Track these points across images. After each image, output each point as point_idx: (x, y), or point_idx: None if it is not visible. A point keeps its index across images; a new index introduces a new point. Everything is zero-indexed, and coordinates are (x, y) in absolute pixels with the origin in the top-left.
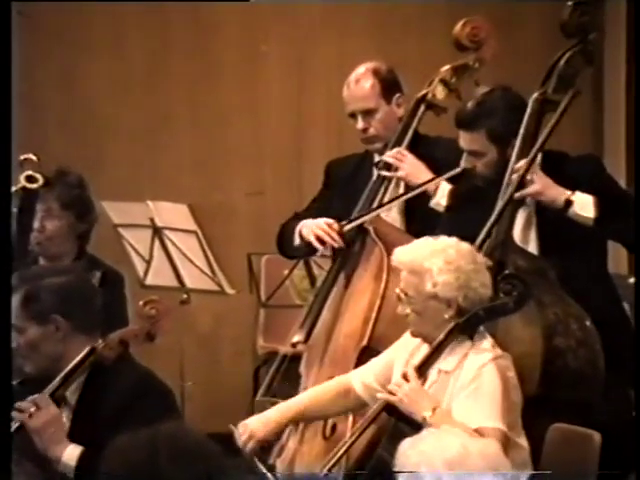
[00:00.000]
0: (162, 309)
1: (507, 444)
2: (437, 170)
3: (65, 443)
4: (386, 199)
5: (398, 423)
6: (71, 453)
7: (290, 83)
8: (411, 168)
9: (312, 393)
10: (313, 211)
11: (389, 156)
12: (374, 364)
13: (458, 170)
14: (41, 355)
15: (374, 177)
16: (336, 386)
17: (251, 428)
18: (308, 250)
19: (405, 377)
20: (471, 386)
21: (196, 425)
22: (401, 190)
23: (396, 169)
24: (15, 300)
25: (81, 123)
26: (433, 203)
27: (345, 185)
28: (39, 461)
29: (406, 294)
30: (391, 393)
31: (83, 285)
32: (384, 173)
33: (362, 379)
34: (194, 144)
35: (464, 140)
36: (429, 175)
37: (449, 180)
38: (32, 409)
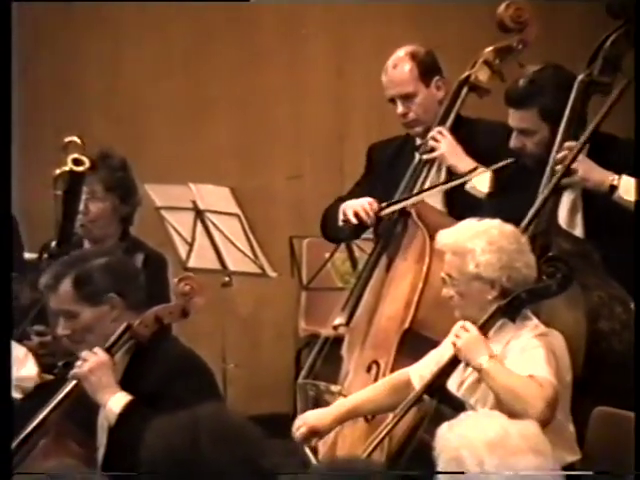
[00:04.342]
0: (196, 286)
1: (555, 403)
2: (479, 153)
3: (114, 389)
4: (427, 183)
5: (439, 406)
6: (118, 400)
7: (330, 66)
8: (448, 148)
9: (369, 389)
10: (356, 195)
11: (430, 135)
12: (431, 357)
13: (508, 161)
14: (96, 336)
15: (415, 161)
16: (393, 381)
17: (308, 422)
18: (349, 231)
19: (464, 328)
20: (519, 361)
21: (237, 408)
22: (443, 174)
23: (433, 149)
24: (65, 285)
25: (124, 106)
26: (469, 187)
27: (387, 169)
28: (83, 440)
29: (450, 276)
30: (456, 338)
31: (127, 263)
32: (425, 156)
33: (420, 372)
34: (235, 127)
35: (514, 118)
36: (465, 158)
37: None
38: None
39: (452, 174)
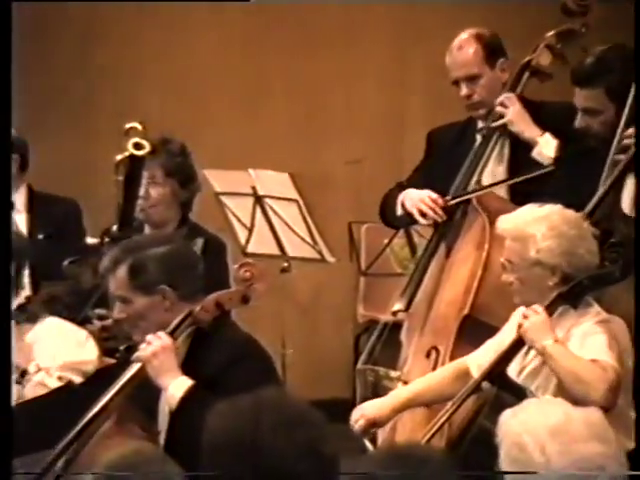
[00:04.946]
0: (257, 272)
1: (618, 388)
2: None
3: (175, 373)
4: (489, 166)
5: (500, 392)
6: (180, 384)
7: (390, 49)
8: (516, 114)
9: (427, 378)
10: (416, 181)
11: (498, 102)
12: (489, 346)
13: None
14: (149, 323)
15: (477, 144)
16: (452, 370)
17: (366, 413)
18: (410, 221)
19: (534, 310)
20: (581, 347)
21: (296, 393)
22: (505, 158)
23: (501, 116)
24: (121, 271)
25: (185, 92)
26: (535, 152)
27: (447, 154)
28: (145, 424)
29: (510, 262)
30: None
31: (186, 253)
32: (494, 124)
33: (478, 361)
34: (295, 113)
35: (580, 97)
36: (533, 125)
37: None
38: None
39: (515, 154)
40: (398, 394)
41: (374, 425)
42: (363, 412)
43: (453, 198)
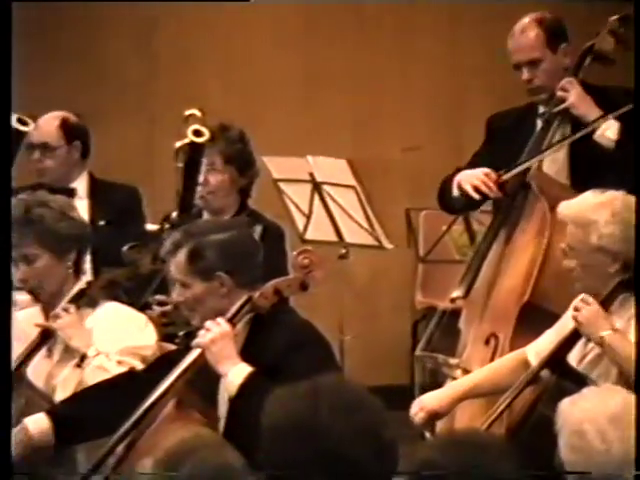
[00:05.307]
0: (315, 259)
1: None
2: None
3: (234, 360)
4: (548, 152)
5: (560, 380)
6: (239, 371)
7: (449, 34)
8: (578, 97)
9: (486, 369)
10: (475, 166)
11: (559, 86)
12: (548, 336)
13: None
14: (206, 309)
15: (538, 129)
16: (511, 360)
17: (426, 406)
18: (467, 202)
19: (585, 301)
20: None
21: (354, 379)
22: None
23: (563, 100)
24: (181, 255)
25: (244, 79)
26: (597, 135)
27: (508, 139)
28: (205, 410)
29: (571, 248)
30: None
31: (246, 240)
32: (556, 109)
33: (537, 350)
34: (353, 99)
35: None
36: (595, 108)
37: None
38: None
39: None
40: (457, 385)
41: (434, 417)
42: (422, 404)
43: (507, 171)
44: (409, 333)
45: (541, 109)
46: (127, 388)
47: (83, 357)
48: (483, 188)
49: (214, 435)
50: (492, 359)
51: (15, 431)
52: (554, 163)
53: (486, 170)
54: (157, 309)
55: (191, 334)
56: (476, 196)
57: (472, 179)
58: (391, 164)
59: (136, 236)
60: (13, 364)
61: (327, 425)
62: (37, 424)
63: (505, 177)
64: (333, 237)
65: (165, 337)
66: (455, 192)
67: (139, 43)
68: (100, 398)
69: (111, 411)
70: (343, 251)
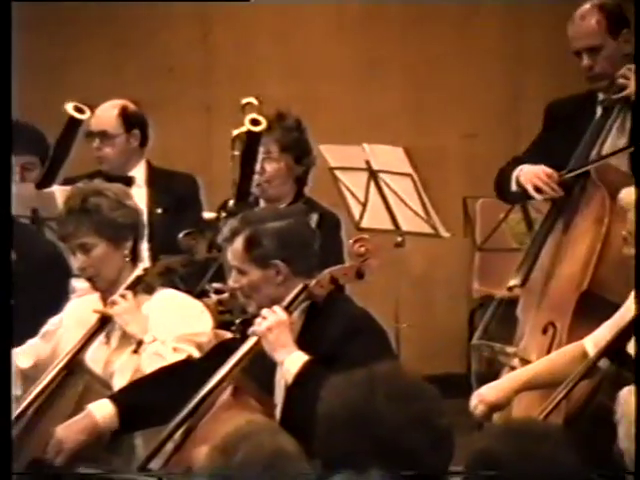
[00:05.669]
0: (372, 247)
1: None
2: None
3: (290, 348)
4: (610, 139)
5: (620, 370)
6: (295, 359)
7: (506, 21)
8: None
9: (544, 360)
10: (533, 154)
11: (619, 74)
12: (606, 327)
13: None
14: (262, 296)
15: (597, 117)
16: (569, 352)
17: (485, 399)
18: (525, 197)
19: None
20: None
21: (410, 367)
22: (627, 129)
23: (623, 88)
24: (238, 242)
25: (300, 67)
26: None
27: (566, 127)
28: (262, 397)
29: (632, 234)
30: None
31: (303, 229)
32: (616, 96)
33: (595, 341)
34: (409, 87)
35: None
36: None
37: None
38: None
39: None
40: (515, 376)
41: (494, 409)
42: (481, 397)
43: (568, 172)
44: (465, 322)
45: (601, 96)
46: (185, 375)
47: (140, 343)
48: (545, 189)
49: (269, 421)
50: (550, 348)
51: (79, 417)
52: (614, 150)
53: (548, 170)
54: (214, 297)
55: (247, 322)
56: (537, 196)
57: (533, 178)
58: (448, 152)
59: (193, 224)
60: (72, 350)
61: (382, 413)
62: (102, 410)
63: (566, 177)
64: (389, 225)
65: (221, 325)
66: (514, 187)
67: (198, 33)
68: (161, 385)
69: (171, 398)
70: (399, 239)
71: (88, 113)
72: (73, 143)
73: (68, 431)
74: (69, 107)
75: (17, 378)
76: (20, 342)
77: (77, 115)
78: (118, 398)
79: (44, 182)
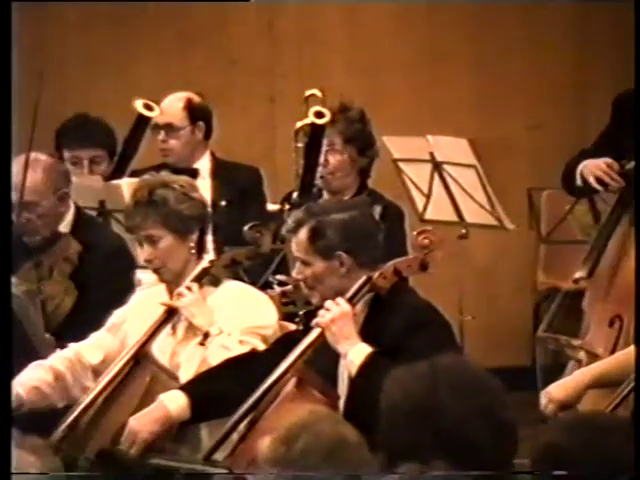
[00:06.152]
0: (436, 239)
1: None
2: None
3: (354, 340)
4: None
5: None
6: (359, 351)
7: (572, 11)
8: None
9: (613, 357)
10: (599, 148)
11: None
12: None
13: None
14: (326, 287)
15: None
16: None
17: (554, 397)
18: (589, 191)
19: None
20: None
21: (475, 359)
22: None
23: None
24: (302, 233)
25: (363, 58)
26: None
27: (633, 120)
28: (325, 389)
29: None
30: None
31: (367, 221)
32: None
33: None
34: (473, 78)
35: None
36: None
37: None
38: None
39: None
40: (583, 373)
41: (564, 407)
42: (550, 395)
43: (630, 161)
44: (530, 314)
45: None
46: (251, 367)
47: (206, 335)
48: (606, 179)
49: (331, 412)
50: (616, 341)
51: (151, 408)
52: None
53: (608, 160)
54: (277, 288)
55: (311, 313)
56: (599, 188)
57: (595, 170)
58: (513, 143)
59: (257, 216)
60: (140, 341)
61: (445, 406)
62: (174, 400)
63: (628, 167)
64: (453, 217)
65: (285, 316)
66: (578, 181)
67: (262, 25)
68: (228, 376)
69: (238, 389)
70: (463, 231)
71: (157, 110)
72: (142, 139)
73: (142, 422)
74: (138, 104)
75: (87, 372)
76: (87, 333)
77: (146, 112)
78: (189, 389)
79: (113, 178)
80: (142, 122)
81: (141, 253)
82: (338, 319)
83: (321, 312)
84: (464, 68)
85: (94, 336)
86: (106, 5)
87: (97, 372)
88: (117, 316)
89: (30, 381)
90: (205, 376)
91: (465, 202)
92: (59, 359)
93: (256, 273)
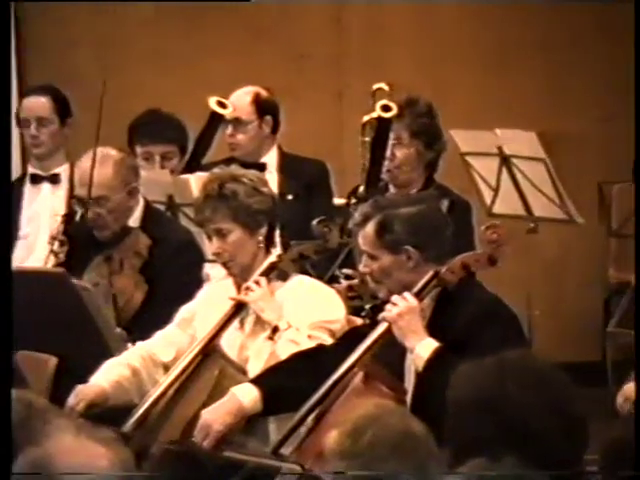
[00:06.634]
0: (504, 234)
1: None
2: None
3: (421, 334)
4: None
5: None
6: (426, 346)
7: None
8: None
9: None
10: None
11: None
12: None
13: None
14: (393, 282)
15: None
16: None
17: (627, 394)
18: None
19: None
20: None
21: (543, 354)
22: None
23: None
24: (369, 227)
25: (430, 52)
26: None
27: None
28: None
29: None
30: None
31: (435, 215)
32: None
33: None
34: (543, 70)
35: None
36: None
37: None
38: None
39: None
40: None
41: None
42: (627, 396)
43: None
44: (600, 309)
45: None
46: (319, 361)
47: (275, 330)
48: None
49: (398, 406)
50: None
51: (224, 401)
52: None
53: None
54: (344, 282)
55: (377, 307)
56: None
57: None
58: (583, 136)
59: (323, 210)
60: (208, 335)
61: (513, 401)
62: (247, 393)
63: None
64: (521, 211)
65: (351, 310)
66: None
67: (329, 20)
68: (297, 370)
69: (307, 383)
70: (532, 225)
71: (230, 108)
72: (214, 136)
73: (215, 414)
74: (212, 102)
75: (159, 369)
76: (156, 327)
77: (219, 110)
78: (260, 382)
79: (184, 173)
80: (215, 119)
81: (210, 246)
82: (405, 313)
83: (388, 306)
84: (533, 60)
85: (164, 332)
86: (177, 2)
87: (168, 368)
88: (186, 311)
89: (113, 376)
90: (275, 369)
91: (534, 196)
92: (133, 356)
93: (322, 267)
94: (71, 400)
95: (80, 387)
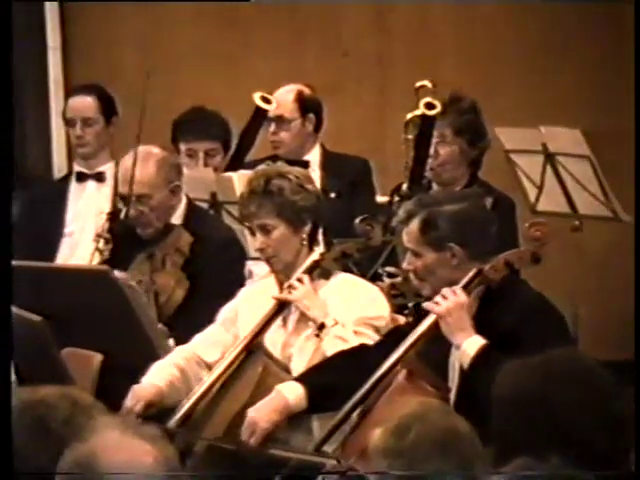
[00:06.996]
0: (547, 232)
1: None
2: None
3: (469, 332)
4: None
5: None
6: (473, 343)
7: None
8: None
9: None
10: None
11: None
12: None
13: None
14: (437, 279)
15: None
16: None
17: None
18: None
19: None
20: None
21: (589, 353)
22: None
23: None
24: (413, 224)
25: (474, 49)
26: None
27: None
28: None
29: None
30: None
31: (479, 213)
32: None
33: None
34: (587, 67)
35: None
36: None
37: None
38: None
39: None
40: None
41: None
42: None
43: None
44: None
45: None
46: (363, 359)
47: (321, 327)
48: None
49: (442, 403)
50: None
51: (270, 398)
52: None
53: None
54: (387, 280)
55: (420, 305)
56: None
57: None
58: (629, 133)
59: (366, 208)
60: (252, 332)
61: (559, 399)
62: (292, 391)
63: None
64: (566, 209)
65: (395, 308)
66: None
67: (372, 17)
68: (342, 368)
69: (351, 381)
70: (576, 223)
71: (274, 103)
72: (258, 132)
73: (261, 412)
74: (256, 97)
75: (204, 369)
76: (198, 324)
77: (264, 105)
78: (305, 379)
79: (228, 170)
80: (259, 115)
81: (254, 242)
82: (454, 310)
83: (437, 298)
84: (577, 59)
85: (208, 332)
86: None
87: (212, 368)
88: (229, 310)
89: (166, 376)
90: (320, 367)
91: (578, 194)
92: (179, 357)
93: (365, 265)
94: (129, 401)
95: (136, 388)
